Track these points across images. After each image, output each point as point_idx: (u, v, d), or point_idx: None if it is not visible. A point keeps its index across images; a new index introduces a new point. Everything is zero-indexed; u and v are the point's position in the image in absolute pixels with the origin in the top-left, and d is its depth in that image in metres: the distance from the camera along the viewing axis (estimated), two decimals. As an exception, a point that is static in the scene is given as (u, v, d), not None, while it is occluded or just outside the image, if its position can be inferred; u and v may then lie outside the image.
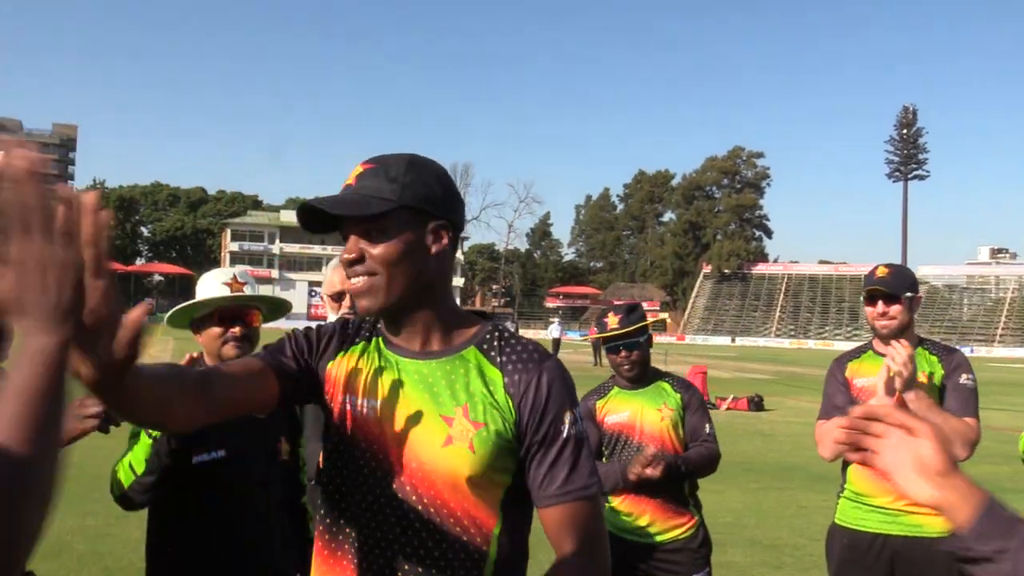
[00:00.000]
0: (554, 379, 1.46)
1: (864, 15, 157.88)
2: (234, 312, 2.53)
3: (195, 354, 2.43)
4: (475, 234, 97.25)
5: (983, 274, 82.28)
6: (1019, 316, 72.80)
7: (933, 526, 2.81)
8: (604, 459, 3.43)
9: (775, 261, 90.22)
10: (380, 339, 1.54)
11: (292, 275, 79.64)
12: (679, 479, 3.31)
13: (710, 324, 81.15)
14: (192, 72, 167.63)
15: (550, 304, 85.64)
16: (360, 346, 1.53)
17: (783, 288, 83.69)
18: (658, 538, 3.31)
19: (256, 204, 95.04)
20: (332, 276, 2.97)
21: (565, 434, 1.44)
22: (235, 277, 2.59)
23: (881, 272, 3.15)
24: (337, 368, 1.52)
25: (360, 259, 1.44)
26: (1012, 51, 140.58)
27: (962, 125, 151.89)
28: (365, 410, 1.47)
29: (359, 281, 1.45)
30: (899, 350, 2.81)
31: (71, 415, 1.97)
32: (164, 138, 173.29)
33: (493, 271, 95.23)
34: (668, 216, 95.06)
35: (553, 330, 33.91)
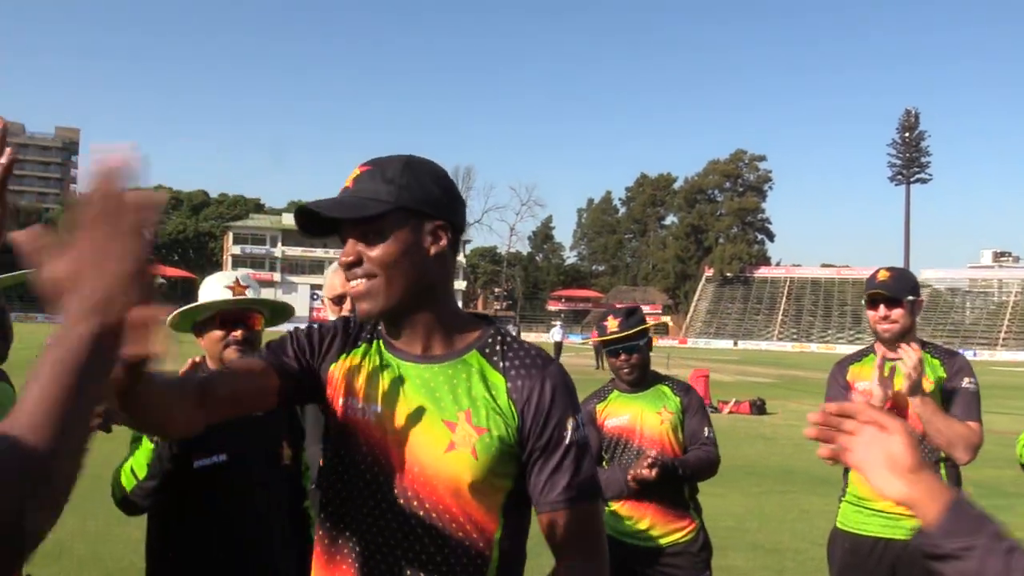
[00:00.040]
0: (557, 385, 1.46)
1: (866, 18, 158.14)
2: (236, 316, 2.52)
3: (197, 358, 2.43)
4: (477, 237, 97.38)
5: (986, 277, 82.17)
6: (1022, 319, 72.65)
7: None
8: (604, 463, 3.43)
9: (777, 264, 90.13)
10: (381, 342, 1.53)
11: (294, 278, 79.69)
12: (678, 482, 3.30)
13: (712, 327, 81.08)
14: (194, 75, 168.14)
15: (552, 307, 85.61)
16: (362, 349, 1.52)
17: (785, 291, 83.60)
18: (658, 542, 3.31)
19: (258, 207, 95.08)
20: (333, 279, 2.97)
21: (568, 440, 1.44)
22: (237, 280, 2.58)
23: (882, 276, 3.14)
24: (339, 371, 1.51)
25: (358, 262, 1.43)
26: (1014, 54, 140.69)
27: (964, 128, 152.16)
28: (366, 414, 1.46)
29: (358, 284, 1.44)
30: (910, 353, 2.82)
31: None
32: (166, 141, 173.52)
33: (495, 274, 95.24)
34: (670, 219, 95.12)
35: (555, 333, 33.83)
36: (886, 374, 2.98)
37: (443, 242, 1.47)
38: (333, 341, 1.54)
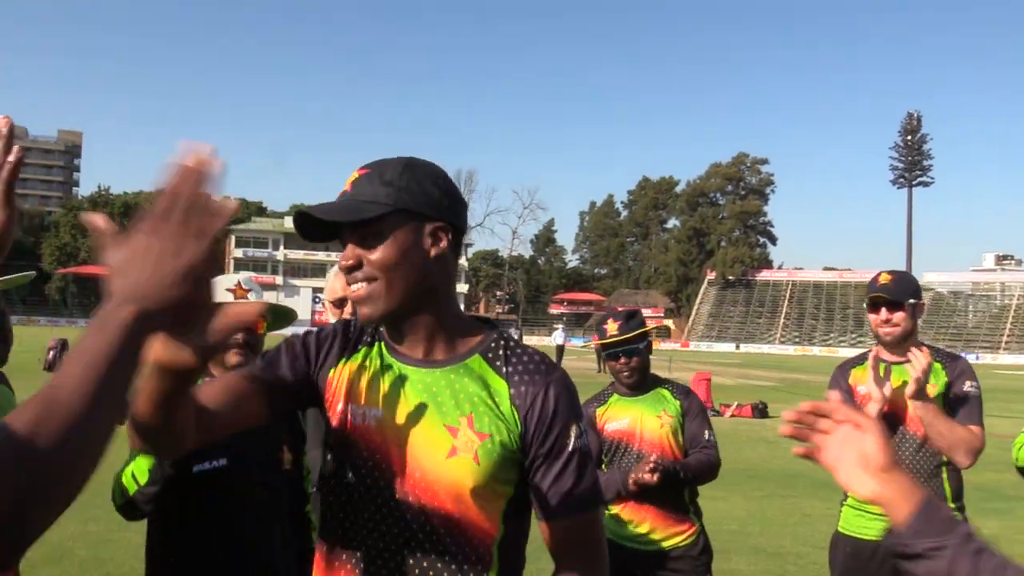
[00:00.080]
0: (561, 392, 1.45)
1: (868, 21, 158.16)
2: None
3: None
4: (479, 240, 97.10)
5: (988, 281, 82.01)
6: (1024, 323, 72.59)
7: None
8: (604, 466, 3.42)
9: (779, 268, 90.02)
10: (382, 345, 1.52)
11: (296, 281, 79.74)
12: (679, 486, 3.30)
13: (714, 331, 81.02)
14: (195, 78, 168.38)
15: (554, 311, 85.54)
16: (362, 352, 1.52)
17: (787, 295, 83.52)
18: (658, 546, 3.30)
19: (260, 211, 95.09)
20: (334, 282, 2.97)
21: (570, 447, 1.43)
22: (240, 284, 2.58)
23: (884, 279, 3.14)
24: (338, 375, 1.50)
25: (358, 265, 1.43)
26: (1017, 57, 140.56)
27: (967, 131, 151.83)
28: (367, 419, 1.45)
29: (359, 288, 1.43)
30: (920, 358, 2.83)
31: None
32: (168, 145, 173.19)
33: (497, 277, 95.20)
34: (672, 223, 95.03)
35: (557, 337, 33.81)
36: (881, 374, 2.98)
37: (443, 244, 1.45)
38: (332, 347, 1.53)
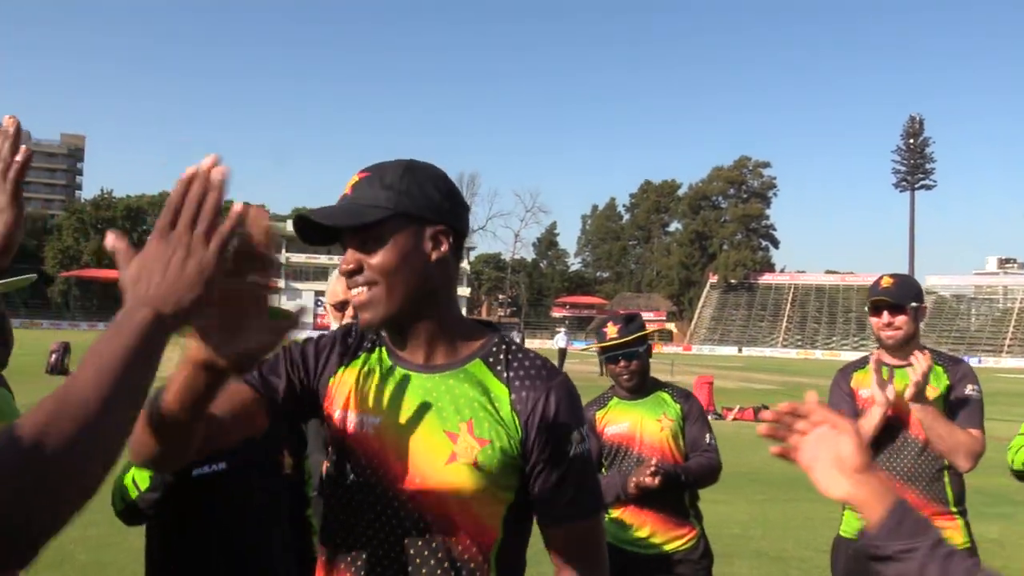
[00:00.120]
0: (562, 398, 1.44)
1: (870, 24, 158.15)
2: None
3: None
4: (481, 244, 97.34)
5: (991, 284, 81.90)
6: (1027, 326, 72.45)
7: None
8: (604, 470, 3.42)
9: (782, 271, 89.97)
10: (383, 349, 1.51)
11: (298, 285, 79.86)
12: (679, 489, 3.29)
13: (716, 334, 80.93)
14: (197, 81, 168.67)
15: (556, 314, 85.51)
16: (362, 358, 1.51)
17: (790, 298, 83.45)
18: (659, 549, 3.29)
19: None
20: (335, 286, 2.97)
21: (572, 453, 1.43)
22: None
23: (886, 282, 3.14)
24: (339, 382, 1.50)
25: (359, 269, 1.42)
26: (1020, 60, 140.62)
27: (969, 134, 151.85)
28: (367, 424, 1.45)
29: (360, 292, 1.42)
30: (921, 361, 2.83)
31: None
32: (171, 148, 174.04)
33: (499, 281, 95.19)
34: (674, 226, 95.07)
35: (559, 340, 33.84)
36: (885, 377, 2.98)
37: (444, 247, 1.44)
38: (331, 354, 1.52)
